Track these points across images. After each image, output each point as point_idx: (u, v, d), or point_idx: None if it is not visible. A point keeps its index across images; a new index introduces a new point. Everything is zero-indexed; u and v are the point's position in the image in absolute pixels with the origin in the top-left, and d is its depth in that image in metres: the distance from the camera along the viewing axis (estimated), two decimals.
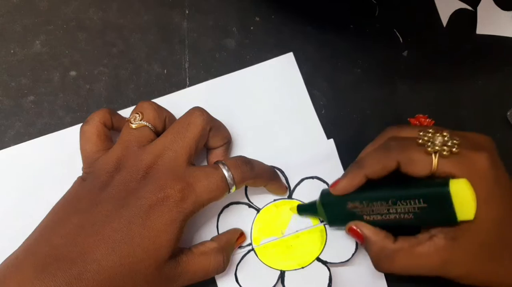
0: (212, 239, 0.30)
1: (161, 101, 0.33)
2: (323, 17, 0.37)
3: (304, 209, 0.32)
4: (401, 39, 0.37)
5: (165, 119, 0.30)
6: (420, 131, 0.27)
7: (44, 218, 0.27)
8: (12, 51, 0.35)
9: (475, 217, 0.25)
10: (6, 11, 0.35)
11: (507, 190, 0.26)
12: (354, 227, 0.28)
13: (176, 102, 0.33)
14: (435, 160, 0.25)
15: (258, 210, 0.33)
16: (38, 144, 0.33)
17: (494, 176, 0.25)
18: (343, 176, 0.28)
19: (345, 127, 0.35)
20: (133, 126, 0.28)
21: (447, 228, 0.26)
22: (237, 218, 0.32)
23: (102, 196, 0.26)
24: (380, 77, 0.36)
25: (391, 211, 0.27)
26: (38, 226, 0.27)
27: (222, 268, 0.29)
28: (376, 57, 0.36)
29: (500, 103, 0.36)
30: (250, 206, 0.33)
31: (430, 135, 0.26)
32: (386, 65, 0.36)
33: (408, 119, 0.34)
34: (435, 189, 0.25)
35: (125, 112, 0.34)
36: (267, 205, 0.33)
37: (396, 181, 0.27)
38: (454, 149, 0.25)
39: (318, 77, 0.36)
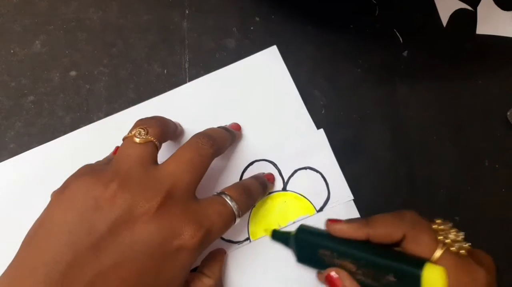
0: (208, 276, 0.29)
1: (145, 105, 0.34)
2: (323, 17, 0.37)
3: (278, 236, 0.30)
4: (401, 39, 0.37)
5: (167, 135, 0.29)
6: (439, 220, 0.26)
7: (20, 251, 0.23)
8: (12, 51, 0.35)
9: None
10: (6, 11, 0.35)
11: None
12: (335, 276, 0.26)
13: (161, 105, 0.34)
14: (439, 251, 0.24)
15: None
16: (26, 158, 0.33)
17: None
18: (348, 221, 0.27)
19: (345, 127, 0.35)
20: (138, 140, 0.26)
21: None
22: None
23: (103, 229, 0.22)
24: (380, 77, 0.36)
25: (358, 272, 0.26)
26: (11, 266, 0.23)
27: None
28: (376, 57, 0.36)
29: (500, 103, 0.36)
30: None
31: (447, 227, 0.26)
32: (386, 65, 0.36)
33: None
34: (408, 268, 0.24)
35: (125, 112, 0.34)
36: (263, 199, 0.33)
37: (375, 244, 0.26)
38: (462, 252, 0.25)
39: (318, 77, 0.36)
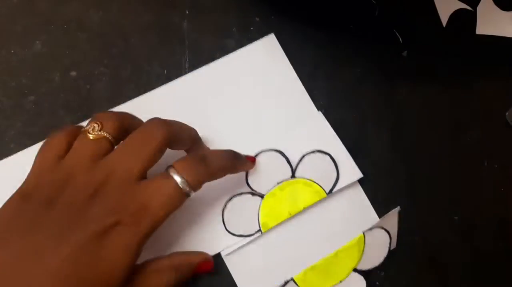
0: (169, 256, 0.29)
1: (143, 98, 0.34)
2: (323, 17, 0.37)
3: None
4: (401, 39, 0.37)
5: (129, 128, 0.27)
6: None
7: None
8: (12, 51, 0.35)
9: None
10: (6, 11, 0.35)
11: None
12: None
13: (161, 97, 0.34)
14: None
15: (262, 196, 0.33)
16: (26, 155, 0.33)
17: None
18: None
19: (345, 127, 0.35)
20: (91, 137, 0.26)
21: None
22: (241, 209, 0.32)
23: (46, 216, 0.24)
24: (380, 77, 0.36)
25: None
26: None
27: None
28: (376, 57, 0.36)
29: (500, 103, 0.36)
30: (253, 194, 0.32)
31: None
32: (386, 65, 0.36)
33: None
34: None
35: (125, 106, 0.34)
36: (271, 190, 0.33)
37: None
38: None
39: (318, 77, 0.36)
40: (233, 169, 0.30)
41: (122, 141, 0.26)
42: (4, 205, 0.25)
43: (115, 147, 0.27)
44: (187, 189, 0.26)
